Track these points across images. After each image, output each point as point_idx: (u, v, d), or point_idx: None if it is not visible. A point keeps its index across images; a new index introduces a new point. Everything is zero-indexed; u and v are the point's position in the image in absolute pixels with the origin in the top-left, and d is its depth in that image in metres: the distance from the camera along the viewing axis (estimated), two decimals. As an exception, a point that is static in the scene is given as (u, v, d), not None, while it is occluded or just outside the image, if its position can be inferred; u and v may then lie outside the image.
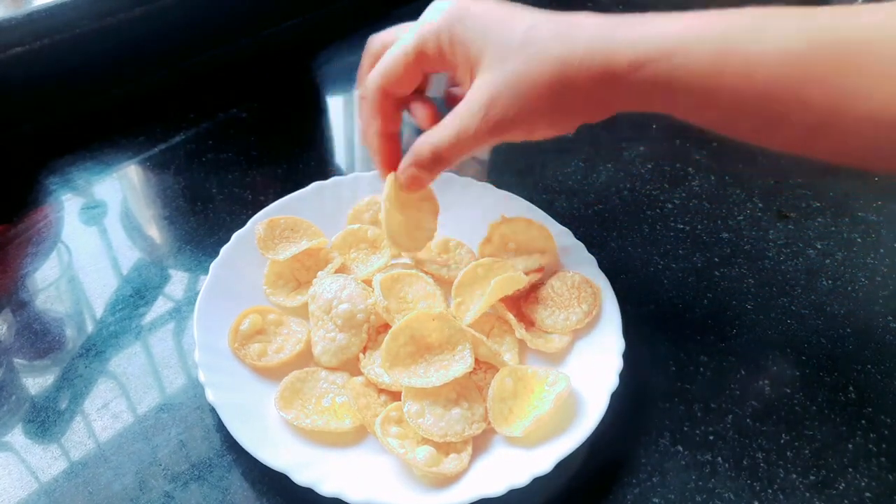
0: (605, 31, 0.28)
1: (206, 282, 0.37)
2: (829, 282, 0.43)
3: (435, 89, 0.37)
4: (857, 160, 0.29)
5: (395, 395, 0.33)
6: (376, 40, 0.36)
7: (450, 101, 0.37)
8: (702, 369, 0.38)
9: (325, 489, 0.30)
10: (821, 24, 0.26)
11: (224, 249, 0.39)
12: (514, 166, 0.51)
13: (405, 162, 0.35)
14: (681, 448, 0.34)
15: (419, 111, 0.36)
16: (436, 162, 0.33)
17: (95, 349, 0.38)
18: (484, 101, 0.30)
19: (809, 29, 0.26)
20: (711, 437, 0.35)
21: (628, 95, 0.29)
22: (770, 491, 0.32)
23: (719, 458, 0.34)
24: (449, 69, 0.33)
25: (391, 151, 0.36)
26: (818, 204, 0.48)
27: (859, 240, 0.46)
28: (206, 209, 0.47)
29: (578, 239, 0.41)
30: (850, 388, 0.37)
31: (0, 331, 0.39)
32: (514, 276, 0.36)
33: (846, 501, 0.32)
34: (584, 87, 0.29)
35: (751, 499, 0.32)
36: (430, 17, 0.32)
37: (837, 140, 0.27)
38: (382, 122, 0.35)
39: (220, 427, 0.33)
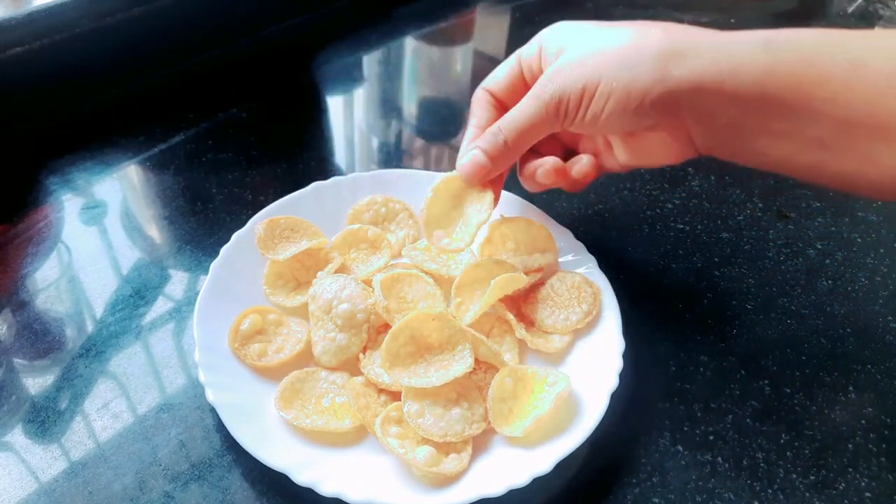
0: (663, 62, 0.32)
1: (206, 282, 0.37)
2: (829, 282, 0.43)
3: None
4: (852, 180, 0.32)
5: (395, 395, 0.33)
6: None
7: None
8: (702, 369, 0.38)
9: (325, 489, 0.30)
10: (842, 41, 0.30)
11: (224, 249, 0.39)
12: (515, 166, 0.51)
13: (474, 147, 0.35)
14: (681, 448, 0.34)
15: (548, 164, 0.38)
16: (507, 150, 0.35)
17: (95, 349, 0.38)
18: (556, 88, 0.33)
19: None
20: (711, 437, 0.35)
21: (689, 90, 0.32)
22: (770, 491, 0.32)
23: (719, 458, 0.34)
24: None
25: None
26: (818, 204, 0.48)
27: (859, 240, 0.46)
28: (206, 209, 0.47)
29: (578, 239, 0.41)
30: (850, 389, 0.37)
31: (0, 331, 0.39)
32: (514, 276, 0.36)
33: (846, 501, 0.32)
34: (650, 66, 0.32)
35: (751, 499, 0.32)
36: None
37: (837, 156, 0.30)
38: (480, 115, 0.38)
39: (220, 427, 0.33)
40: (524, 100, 0.35)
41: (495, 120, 0.36)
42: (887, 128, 0.28)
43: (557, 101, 0.33)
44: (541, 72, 0.36)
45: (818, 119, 0.29)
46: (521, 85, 0.37)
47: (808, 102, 0.29)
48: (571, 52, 0.34)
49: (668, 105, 0.32)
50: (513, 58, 0.38)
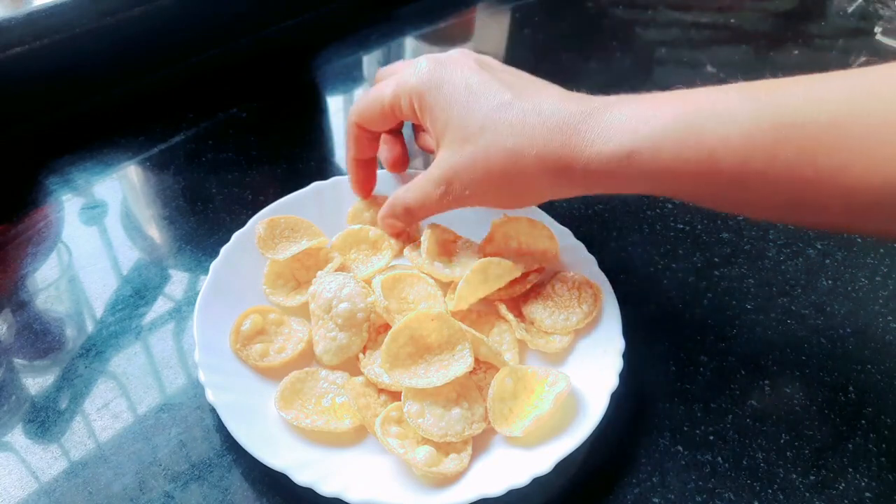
0: (566, 126, 0.29)
1: (206, 282, 0.37)
2: (829, 282, 0.43)
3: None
4: (840, 228, 0.29)
5: (395, 395, 0.33)
6: (380, 72, 0.39)
7: (421, 147, 0.42)
8: (702, 369, 0.38)
9: (325, 489, 0.30)
10: (781, 104, 0.26)
11: (224, 249, 0.39)
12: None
13: (383, 211, 0.39)
14: (681, 448, 0.34)
15: (385, 152, 0.41)
16: (408, 216, 0.37)
17: (95, 349, 0.38)
18: (444, 178, 0.33)
19: (773, 113, 0.26)
20: (711, 437, 0.35)
21: (585, 185, 0.30)
22: (770, 491, 0.32)
23: (719, 458, 0.34)
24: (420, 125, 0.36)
25: (364, 177, 0.41)
26: (818, 204, 0.48)
27: (859, 240, 0.46)
28: (206, 209, 0.47)
29: (578, 239, 0.41)
30: (850, 388, 0.37)
31: (0, 330, 0.39)
32: (510, 265, 0.36)
33: (846, 502, 0.32)
34: (538, 177, 0.30)
35: (751, 499, 0.32)
36: (410, 72, 0.34)
37: (815, 214, 0.27)
38: (357, 150, 0.39)
39: (220, 427, 0.33)
40: (429, 190, 0.34)
41: (373, 151, 0.40)
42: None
43: (456, 198, 0.34)
44: (419, 122, 0.35)
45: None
46: (393, 120, 0.37)
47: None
48: (460, 149, 0.32)
49: (579, 185, 0.30)
50: (384, 101, 0.35)
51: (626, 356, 0.35)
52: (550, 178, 0.30)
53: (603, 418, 0.32)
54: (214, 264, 0.38)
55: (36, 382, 0.36)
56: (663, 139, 0.27)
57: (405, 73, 0.34)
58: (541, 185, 0.31)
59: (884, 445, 0.34)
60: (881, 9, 0.75)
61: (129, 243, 0.45)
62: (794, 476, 0.33)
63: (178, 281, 0.42)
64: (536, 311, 0.38)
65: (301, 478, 0.30)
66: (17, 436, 0.34)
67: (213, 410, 0.33)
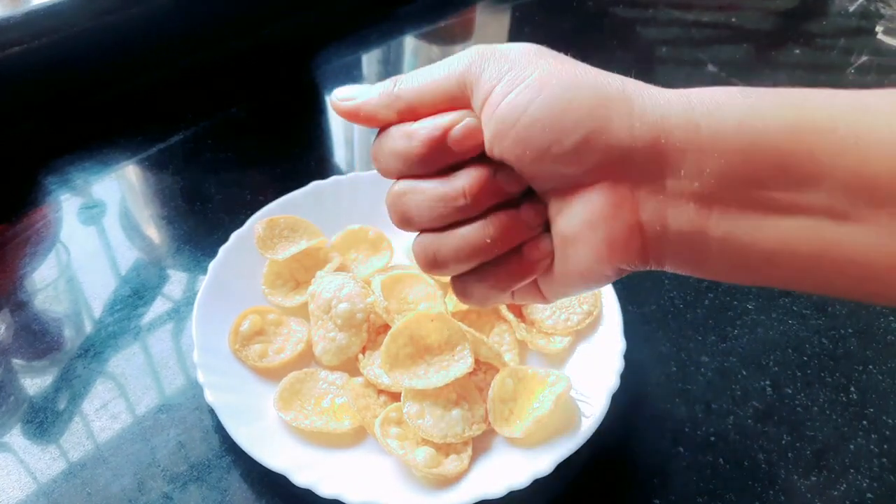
0: (602, 111, 0.23)
1: (204, 282, 0.37)
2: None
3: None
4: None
5: (395, 396, 0.33)
6: None
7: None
8: (703, 370, 0.38)
9: (325, 490, 0.30)
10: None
11: (223, 249, 0.39)
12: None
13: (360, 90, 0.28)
14: (682, 449, 0.34)
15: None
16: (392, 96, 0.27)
17: (94, 350, 0.38)
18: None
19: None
20: (713, 439, 0.34)
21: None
22: (771, 492, 0.32)
23: (720, 459, 0.34)
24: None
25: None
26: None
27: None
28: (205, 209, 0.47)
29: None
30: (852, 389, 0.37)
31: (-2, 331, 0.39)
32: None
33: (848, 502, 0.32)
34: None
35: (752, 500, 0.32)
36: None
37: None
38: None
39: (219, 428, 0.33)
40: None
41: None
42: None
43: (466, 69, 0.24)
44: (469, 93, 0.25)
45: (822, 179, 0.20)
46: (444, 103, 0.26)
47: (809, 155, 0.20)
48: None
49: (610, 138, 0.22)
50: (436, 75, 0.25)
51: (627, 357, 0.35)
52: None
53: (603, 419, 0.32)
54: (213, 264, 0.38)
55: (34, 383, 0.36)
56: (730, 102, 0.22)
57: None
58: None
59: (885, 446, 0.34)
60: (882, 8, 0.75)
61: (128, 243, 0.44)
62: (796, 477, 0.33)
63: (176, 281, 0.42)
64: (537, 311, 0.38)
65: (300, 479, 0.30)
66: (16, 436, 0.34)
67: (211, 411, 0.33)
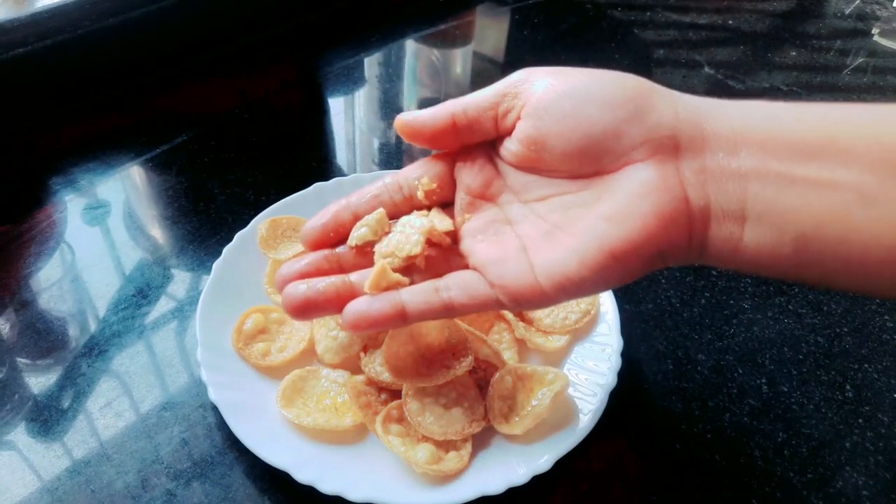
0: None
1: (208, 281, 0.38)
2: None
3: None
4: None
5: (396, 394, 0.34)
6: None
7: None
8: (699, 368, 0.38)
9: (326, 487, 0.30)
10: None
11: (226, 249, 0.39)
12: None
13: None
14: (678, 446, 0.34)
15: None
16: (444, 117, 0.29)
17: (98, 348, 0.38)
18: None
19: None
20: (709, 436, 0.35)
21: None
22: (767, 489, 0.33)
23: (717, 456, 0.34)
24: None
25: None
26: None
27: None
28: (209, 209, 0.47)
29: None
30: (847, 387, 0.37)
31: (3, 330, 0.39)
32: None
33: (843, 499, 0.32)
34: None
35: (748, 497, 0.32)
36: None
37: None
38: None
39: (222, 425, 0.33)
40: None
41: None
42: None
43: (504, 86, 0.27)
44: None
45: (851, 157, 0.22)
46: (483, 132, 0.28)
47: (838, 132, 0.22)
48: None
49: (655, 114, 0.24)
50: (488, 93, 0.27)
51: (624, 355, 0.35)
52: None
53: (601, 417, 0.32)
54: (217, 264, 0.38)
55: (39, 381, 0.37)
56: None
57: None
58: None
59: (881, 444, 0.35)
60: (879, 10, 0.75)
61: (132, 243, 0.45)
62: (792, 474, 0.33)
63: (180, 280, 0.42)
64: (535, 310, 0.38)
65: (302, 476, 0.30)
66: (20, 434, 0.34)
67: (214, 409, 0.34)
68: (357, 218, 0.29)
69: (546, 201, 0.26)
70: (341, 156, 0.55)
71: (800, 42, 0.70)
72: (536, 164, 0.26)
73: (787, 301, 0.42)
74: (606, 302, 0.37)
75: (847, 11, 0.76)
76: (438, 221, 0.28)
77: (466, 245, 0.28)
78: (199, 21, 0.59)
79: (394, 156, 0.56)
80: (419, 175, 0.29)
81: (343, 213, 0.29)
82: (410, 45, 0.67)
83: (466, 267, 0.27)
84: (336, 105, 0.60)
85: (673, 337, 0.40)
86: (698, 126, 0.24)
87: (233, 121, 0.55)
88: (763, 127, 0.23)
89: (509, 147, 0.27)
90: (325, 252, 0.28)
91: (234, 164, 0.50)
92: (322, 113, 0.59)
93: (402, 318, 0.26)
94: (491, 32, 0.71)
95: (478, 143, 0.28)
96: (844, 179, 0.22)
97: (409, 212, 0.29)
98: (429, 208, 0.29)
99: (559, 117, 0.25)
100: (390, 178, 0.29)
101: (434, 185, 0.29)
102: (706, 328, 0.40)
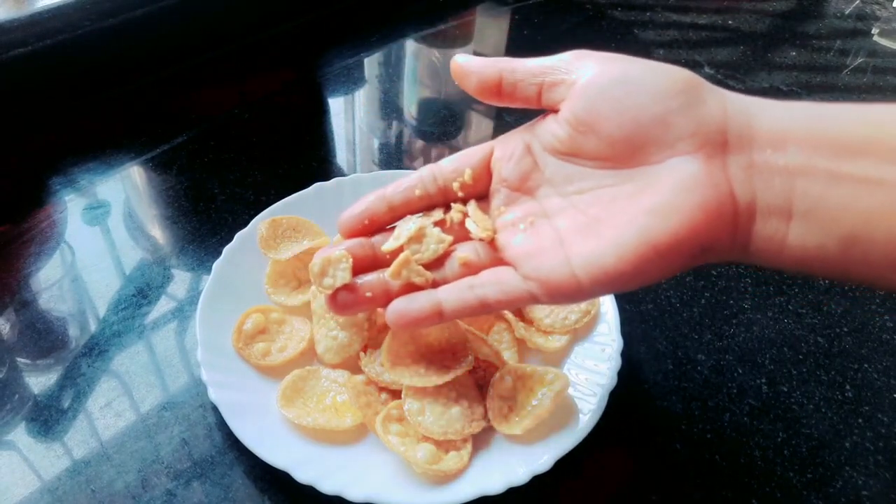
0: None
1: (208, 281, 0.38)
2: (826, 280, 0.43)
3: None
4: None
5: (396, 394, 0.34)
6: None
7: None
8: (699, 368, 0.38)
9: (326, 487, 0.30)
10: None
11: (226, 249, 0.39)
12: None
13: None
14: (678, 446, 0.34)
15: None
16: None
17: (98, 348, 0.38)
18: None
19: None
20: (709, 436, 0.35)
21: None
22: (767, 489, 0.33)
23: (717, 456, 0.34)
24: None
25: None
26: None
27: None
28: (209, 209, 0.47)
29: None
30: (847, 387, 0.37)
31: (3, 330, 0.39)
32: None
33: (843, 499, 0.32)
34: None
35: (748, 497, 0.32)
36: None
37: None
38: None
39: (222, 425, 0.33)
40: None
41: None
42: None
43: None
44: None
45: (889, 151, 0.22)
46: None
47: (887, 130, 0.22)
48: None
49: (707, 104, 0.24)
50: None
51: (625, 355, 0.35)
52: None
53: (601, 417, 0.32)
54: (217, 264, 0.38)
55: (39, 381, 0.37)
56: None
57: None
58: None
59: (880, 443, 0.35)
60: (878, 10, 0.76)
61: (132, 243, 0.45)
62: (791, 474, 0.33)
63: (180, 280, 0.42)
64: (535, 309, 0.38)
65: (302, 476, 0.30)
66: (20, 434, 0.34)
67: (215, 409, 0.34)
68: (391, 209, 0.30)
69: (586, 194, 0.26)
70: (341, 156, 0.55)
71: (800, 42, 0.70)
72: (579, 150, 0.26)
73: (787, 301, 0.42)
74: (606, 302, 0.38)
75: (847, 11, 0.76)
76: (480, 222, 0.29)
77: (502, 238, 0.28)
78: (199, 21, 0.59)
79: (394, 156, 0.56)
80: (457, 167, 0.29)
81: (378, 203, 0.30)
82: (410, 45, 0.67)
83: (501, 261, 0.28)
84: (336, 105, 0.60)
85: (673, 337, 0.40)
86: (746, 123, 0.24)
87: (233, 121, 0.55)
88: (809, 124, 0.23)
89: (553, 130, 0.27)
90: (360, 240, 0.30)
91: (234, 164, 0.51)
92: (322, 113, 0.59)
93: (438, 316, 0.27)
94: (491, 32, 0.71)
95: (515, 130, 0.29)
96: (893, 177, 0.21)
97: (443, 204, 0.30)
98: (464, 201, 0.30)
99: (611, 100, 0.25)
100: (427, 169, 0.30)
101: (471, 181, 0.29)
102: (706, 328, 0.40)
